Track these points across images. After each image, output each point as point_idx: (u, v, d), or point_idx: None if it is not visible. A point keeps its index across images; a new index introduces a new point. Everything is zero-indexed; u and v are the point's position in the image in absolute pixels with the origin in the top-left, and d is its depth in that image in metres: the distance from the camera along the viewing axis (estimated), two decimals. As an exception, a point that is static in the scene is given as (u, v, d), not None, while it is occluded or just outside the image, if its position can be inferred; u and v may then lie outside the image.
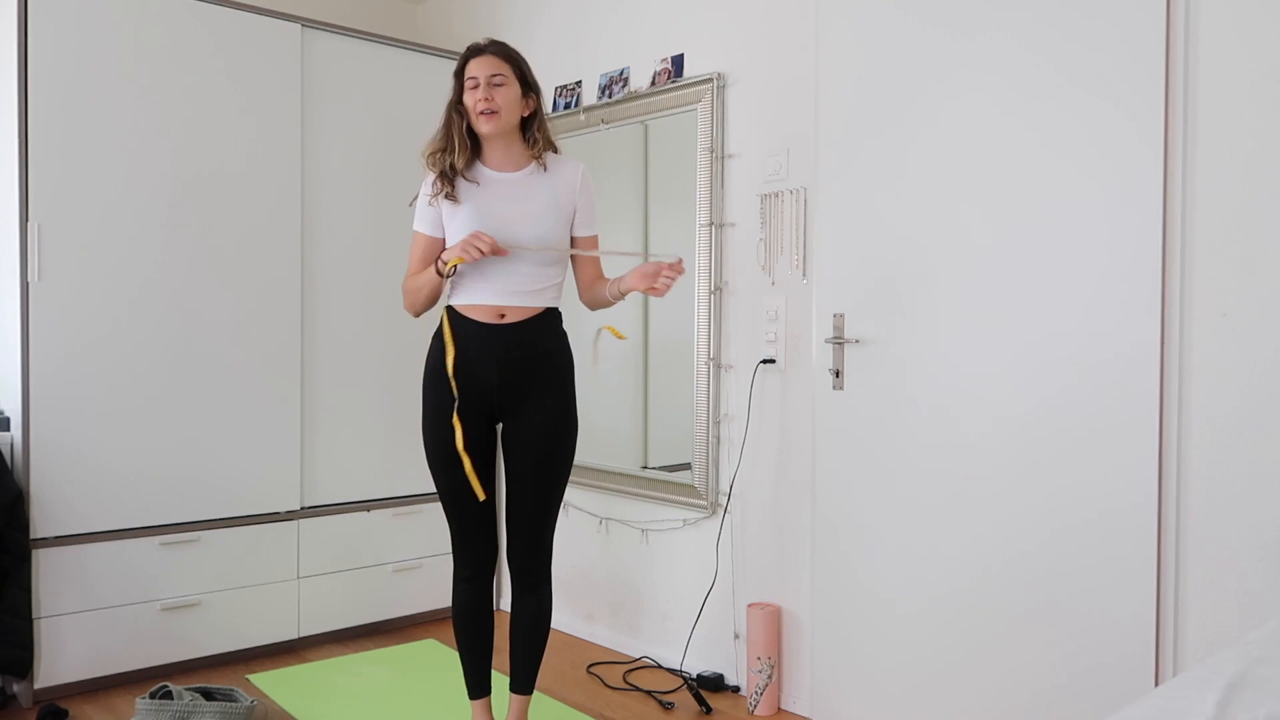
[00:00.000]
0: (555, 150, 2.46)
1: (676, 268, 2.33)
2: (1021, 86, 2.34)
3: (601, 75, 3.49)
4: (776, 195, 2.93)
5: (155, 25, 3.12)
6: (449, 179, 2.35)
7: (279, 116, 3.39)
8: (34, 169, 2.90)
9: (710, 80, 3.08)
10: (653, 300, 3.39)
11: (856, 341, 2.69)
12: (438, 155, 2.38)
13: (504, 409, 2.39)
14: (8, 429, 2.96)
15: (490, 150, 2.39)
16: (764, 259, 2.97)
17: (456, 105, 2.37)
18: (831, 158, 2.75)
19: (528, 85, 2.38)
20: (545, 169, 2.40)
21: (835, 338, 2.73)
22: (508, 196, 2.37)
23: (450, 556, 3.75)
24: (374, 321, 3.64)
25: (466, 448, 2.34)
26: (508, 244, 2.30)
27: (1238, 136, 2.03)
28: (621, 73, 3.42)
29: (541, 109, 2.43)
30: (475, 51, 2.36)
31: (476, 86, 2.32)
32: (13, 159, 2.91)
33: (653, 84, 3.30)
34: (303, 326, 3.46)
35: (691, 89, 3.14)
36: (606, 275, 2.49)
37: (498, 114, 2.31)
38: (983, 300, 2.42)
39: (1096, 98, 2.21)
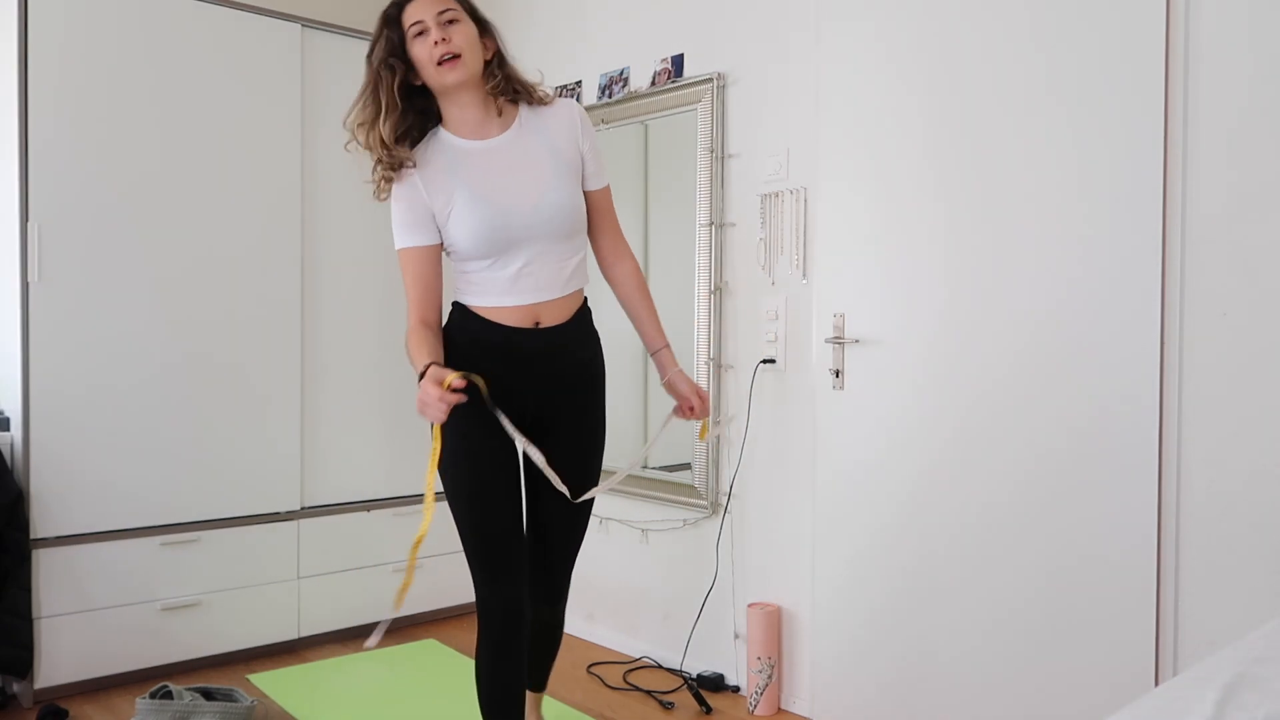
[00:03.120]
0: (533, 92, 2.03)
1: (702, 412, 2.11)
2: (1021, 86, 2.34)
3: (601, 75, 3.49)
4: (776, 195, 2.93)
5: (155, 25, 3.12)
6: (388, 158, 1.93)
7: (279, 116, 3.39)
8: (34, 169, 2.90)
9: (710, 80, 3.08)
10: (653, 299, 3.38)
11: (856, 341, 2.69)
12: (365, 129, 1.95)
13: (535, 421, 2.05)
14: (8, 429, 2.96)
15: (459, 115, 1.97)
16: (764, 259, 2.97)
17: (388, 60, 1.93)
18: (831, 158, 2.75)
19: (480, 23, 1.98)
20: (531, 119, 2.01)
21: (835, 338, 2.73)
22: (503, 167, 1.96)
23: (453, 558, 3.81)
24: (374, 321, 3.64)
25: (493, 462, 1.97)
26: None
27: (1238, 136, 2.02)
28: (621, 73, 3.42)
29: (503, 46, 2.02)
30: None
31: (424, 32, 1.90)
32: (13, 159, 2.91)
33: (653, 84, 3.29)
34: (303, 326, 3.46)
35: (691, 89, 3.14)
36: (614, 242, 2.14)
37: (460, 57, 1.90)
38: (983, 299, 2.42)
39: (1096, 97, 2.21)
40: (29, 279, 2.91)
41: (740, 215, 3.05)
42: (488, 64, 1.99)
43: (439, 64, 1.91)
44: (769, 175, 2.95)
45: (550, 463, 1.98)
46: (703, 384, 3.13)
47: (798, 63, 2.87)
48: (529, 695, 2.43)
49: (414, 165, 1.96)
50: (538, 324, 2.00)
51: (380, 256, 3.64)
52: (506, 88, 2.00)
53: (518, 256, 1.96)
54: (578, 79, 3.59)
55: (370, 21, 4.13)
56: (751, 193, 3.01)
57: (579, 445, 2.12)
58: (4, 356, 3.01)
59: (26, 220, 2.90)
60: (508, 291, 1.97)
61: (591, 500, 2.16)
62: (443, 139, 2.00)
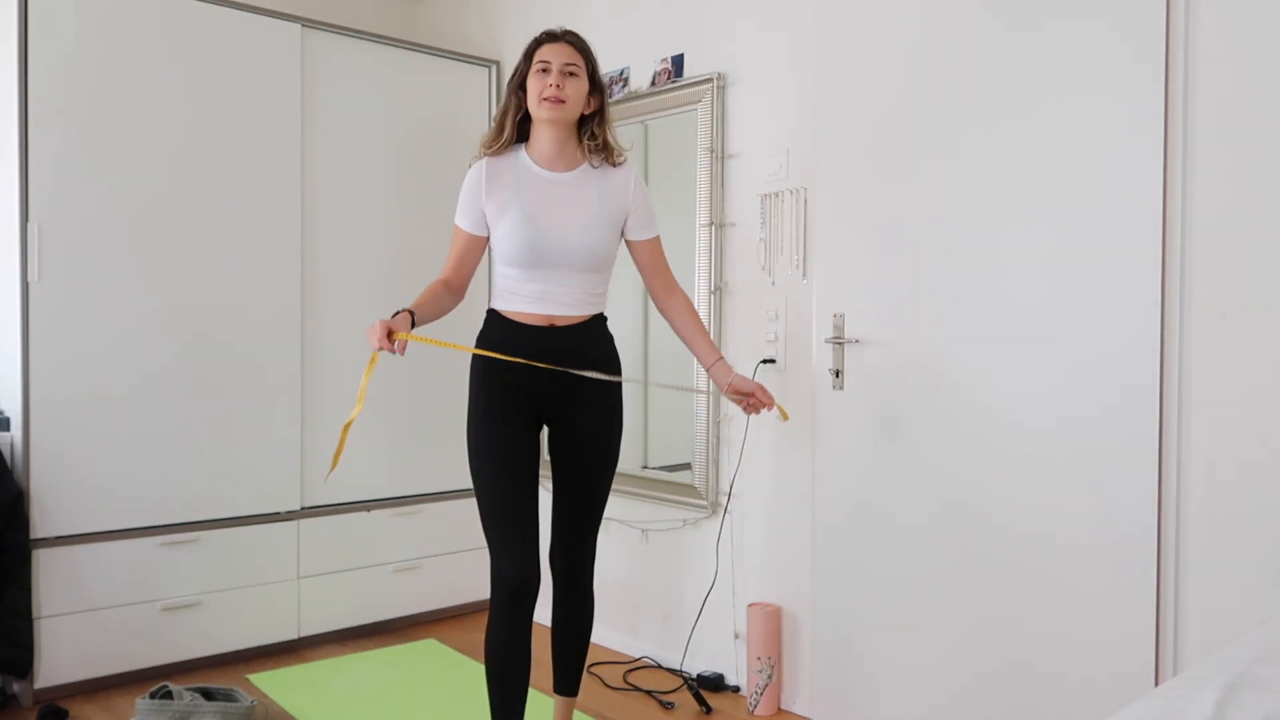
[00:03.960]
0: (615, 153, 2.34)
1: (769, 404, 2.30)
2: (1021, 86, 2.34)
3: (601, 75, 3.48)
4: (776, 195, 2.93)
5: (155, 25, 3.12)
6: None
7: (279, 116, 3.39)
8: (34, 169, 2.90)
9: (710, 80, 3.08)
10: (651, 300, 3.39)
11: (856, 341, 2.69)
12: (488, 142, 2.32)
13: (553, 413, 2.33)
14: (8, 429, 2.96)
15: (542, 145, 2.29)
16: (764, 259, 2.97)
17: (517, 90, 2.29)
18: (831, 158, 2.75)
19: (595, 84, 2.31)
20: (597, 169, 2.32)
21: (835, 338, 2.73)
22: (557, 199, 2.27)
23: (452, 558, 3.82)
24: (374, 321, 3.64)
25: (512, 450, 2.25)
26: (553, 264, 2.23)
27: (1238, 136, 2.03)
28: (621, 73, 3.42)
29: (606, 109, 2.34)
30: (551, 37, 2.29)
31: (547, 71, 2.23)
32: (13, 159, 2.91)
33: (653, 84, 3.30)
34: (303, 326, 3.46)
35: (691, 89, 3.14)
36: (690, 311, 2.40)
37: (564, 104, 2.22)
38: (982, 300, 2.42)
39: (1096, 97, 2.21)
40: (29, 279, 2.91)
41: (740, 215, 3.05)
42: (586, 117, 2.31)
43: (543, 99, 2.23)
44: (769, 175, 2.95)
45: (565, 444, 2.34)
46: (703, 385, 3.13)
47: (798, 63, 2.87)
48: (558, 700, 2.50)
49: (524, 184, 2.28)
50: (553, 324, 2.28)
51: (380, 256, 3.64)
52: (596, 145, 2.31)
53: (545, 274, 2.26)
54: (578, 79, 3.58)
55: (370, 21, 4.19)
56: (751, 193, 3.01)
57: (593, 429, 2.34)
58: (4, 356, 3.01)
59: (26, 220, 2.90)
60: (530, 301, 2.28)
61: (611, 467, 2.39)
62: (521, 158, 2.31)
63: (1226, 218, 2.04)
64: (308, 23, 3.47)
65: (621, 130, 3.39)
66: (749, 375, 3.00)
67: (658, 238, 2.40)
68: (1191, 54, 2.08)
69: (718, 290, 3.12)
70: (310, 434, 3.49)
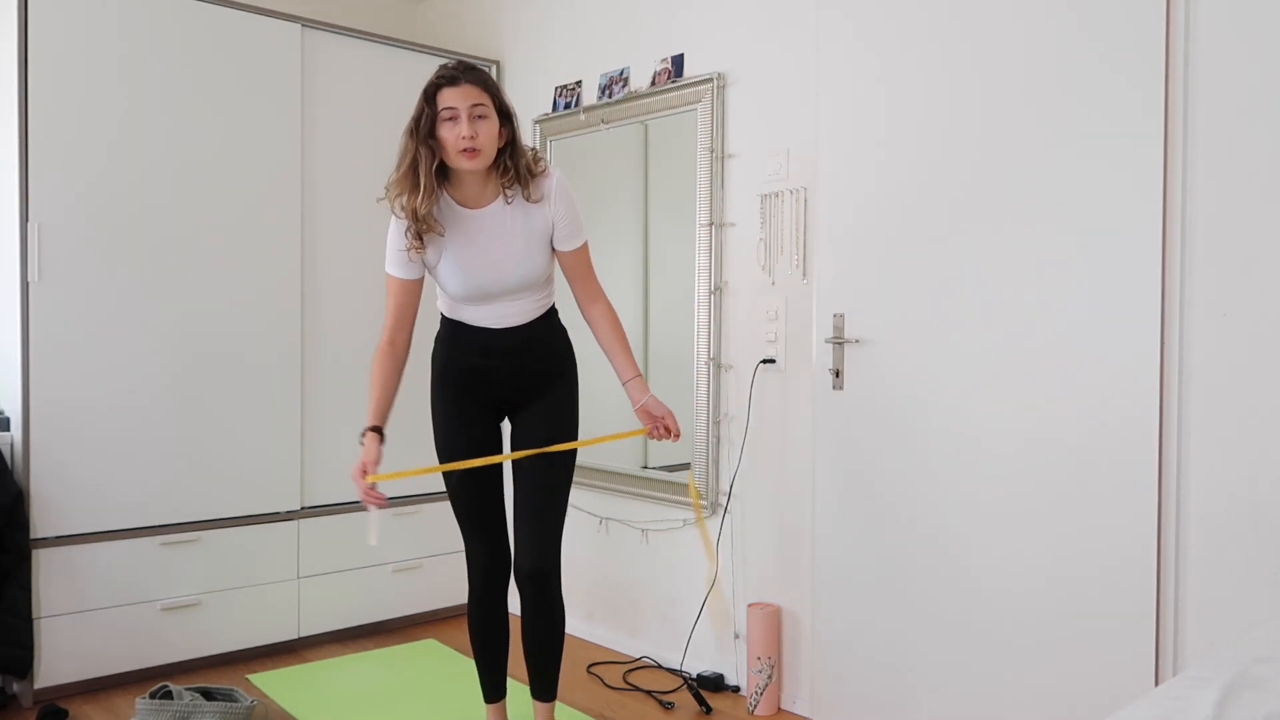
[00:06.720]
0: (533, 174, 2.27)
1: (675, 434, 2.37)
2: (1021, 87, 2.34)
3: (601, 75, 3.49)
4: (776, 195, 2.93)
5: (155, 25, 3.12)
6: (418, 228, 2.20)
7: (279, 116, 3.39)
8: (34, 169, 2.90)
9: (710, 80, 3.08)
10: (653, 300, 3.39)
11: (856, 341, 2.69)
12: (404, 199, 2.19)
13: (510, 405, 2.43)
14: (8, 429, 2.96)
15: (465, 187, 2.24)
16: (764, 259, 2.97)
17: (427, 139, 2.16)
18: (831, 158, 2.75)
19: (504, 114, 2.22)
20: (513, 199, 2.26)
21: (835, 338, 2.73)
22: (487, 236, 2.26)
23: (452, 558, 3.82)
24: (374, 321, 3.63)
25: (470, 443, 2.39)
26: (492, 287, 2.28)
27: (1238, 136, 2.03)
28: (621, 73, 3.42)
29: (518, 135, 2.26)
30: (450, 80, 2.16)
31: (455, 119, 2.14)
32: (13, 159, 2.91)
33: (653, 84, 3.30)
34: (303, 326, 3.46)
35: (691, 89, 3.14)
36: (595, 293, 2.41)
37: (481, 152, 2.15)
38: (982, 300, 2.42)
39: (1096, 98, 2.21)
40: (29, 279, 2.91)
41: (740, 215, 3.05)
42: (500, 150, 2.23)
43: (461, 151, 2.15)
44: (769, 175, 2.95)
45: (520, 436, 2.42)
46: (702, 384, 3.13)
47: (798, 63, 2.87)
48: (537, 706, 2.52)
49: (442, 233, 2.24)
50: (507, 326, 2.36)
51: (379, 257, 3.63)
52: (512, 177, 2.24)
53: (491, 302, 2.33)
54: (578, 79, 3.59)
55: (370, 21, 4.18)
56: (751, 193, 3.01)
57: (550, 406, 2.41)
58: (4, 356, 3.01)
59: (26, 220, 2.90)
60: (477, 319, 2.35)
61: (569, 464, 2.42)
62: (444, 200, 2.26)
63: (1226, 218, 2.04)
64: (308, 23, 3.47)
65: (622, 130, 3.41)
66: (749, 376, 3.01)
67: (583, 246, 2.38)
68: (1191, 54, 2.08)
69: (718, 290, 3.12)
70: (310, 434, 3.49)
